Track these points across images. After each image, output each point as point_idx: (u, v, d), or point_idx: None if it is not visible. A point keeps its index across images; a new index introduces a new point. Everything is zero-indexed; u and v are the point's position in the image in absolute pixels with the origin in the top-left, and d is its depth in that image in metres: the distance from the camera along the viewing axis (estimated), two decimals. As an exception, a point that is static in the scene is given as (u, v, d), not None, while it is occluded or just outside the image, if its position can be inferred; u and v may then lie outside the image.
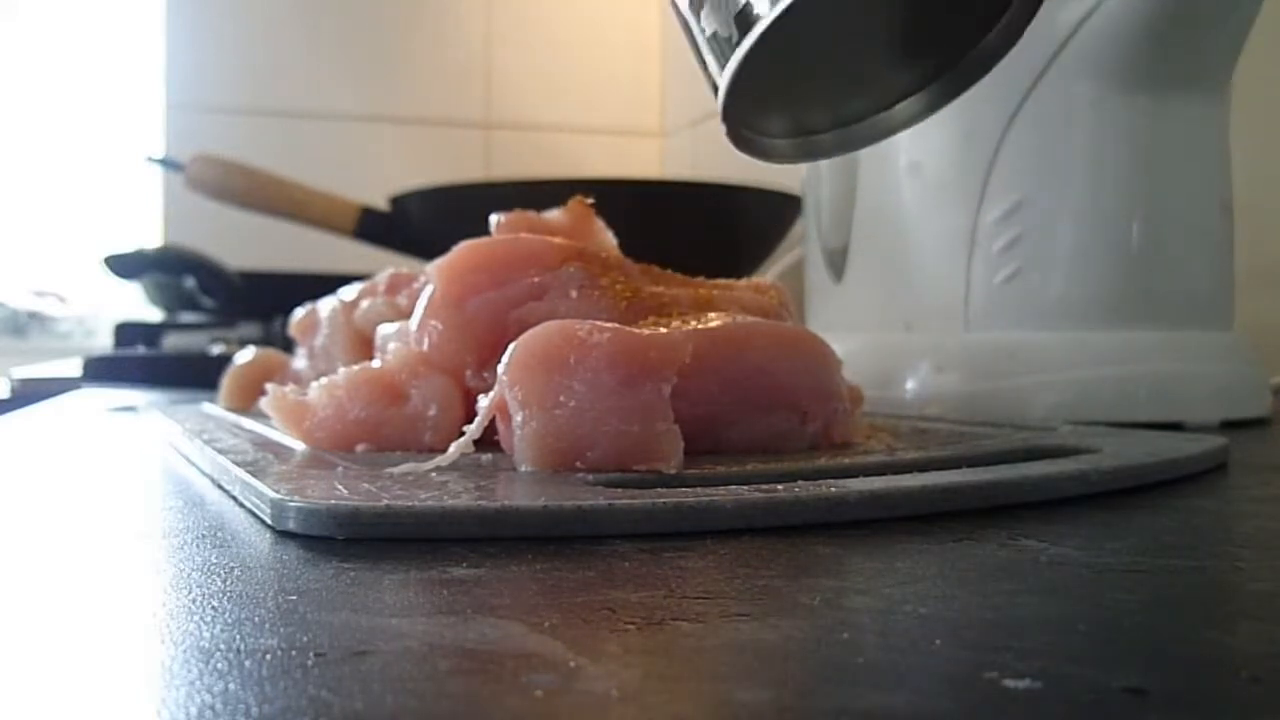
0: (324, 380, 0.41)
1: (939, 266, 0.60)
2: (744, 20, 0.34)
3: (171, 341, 1.26)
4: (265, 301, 1.17)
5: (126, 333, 1.30)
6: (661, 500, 0.27)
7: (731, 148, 0.38)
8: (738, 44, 0.34)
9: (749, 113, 0.37)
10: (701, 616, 0.19)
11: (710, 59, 0.36)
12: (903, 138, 0.62)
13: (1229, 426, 0.55)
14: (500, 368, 0.34)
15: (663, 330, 0.36)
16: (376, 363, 0.43)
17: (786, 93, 0.39)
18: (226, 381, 0.63)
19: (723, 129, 0.37)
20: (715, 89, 0.36)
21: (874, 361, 0.60)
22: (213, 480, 0.36)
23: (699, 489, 0.28)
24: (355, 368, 0.42)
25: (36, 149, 1.97)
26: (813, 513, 0.28)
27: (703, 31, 0.36)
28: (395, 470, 0.32)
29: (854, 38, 0.38)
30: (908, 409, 0.58)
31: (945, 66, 0.38)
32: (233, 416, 0.53)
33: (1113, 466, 0.34)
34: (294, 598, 0.21)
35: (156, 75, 1.72)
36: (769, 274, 1.06)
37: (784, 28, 0.33)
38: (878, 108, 0.39)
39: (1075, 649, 0.18)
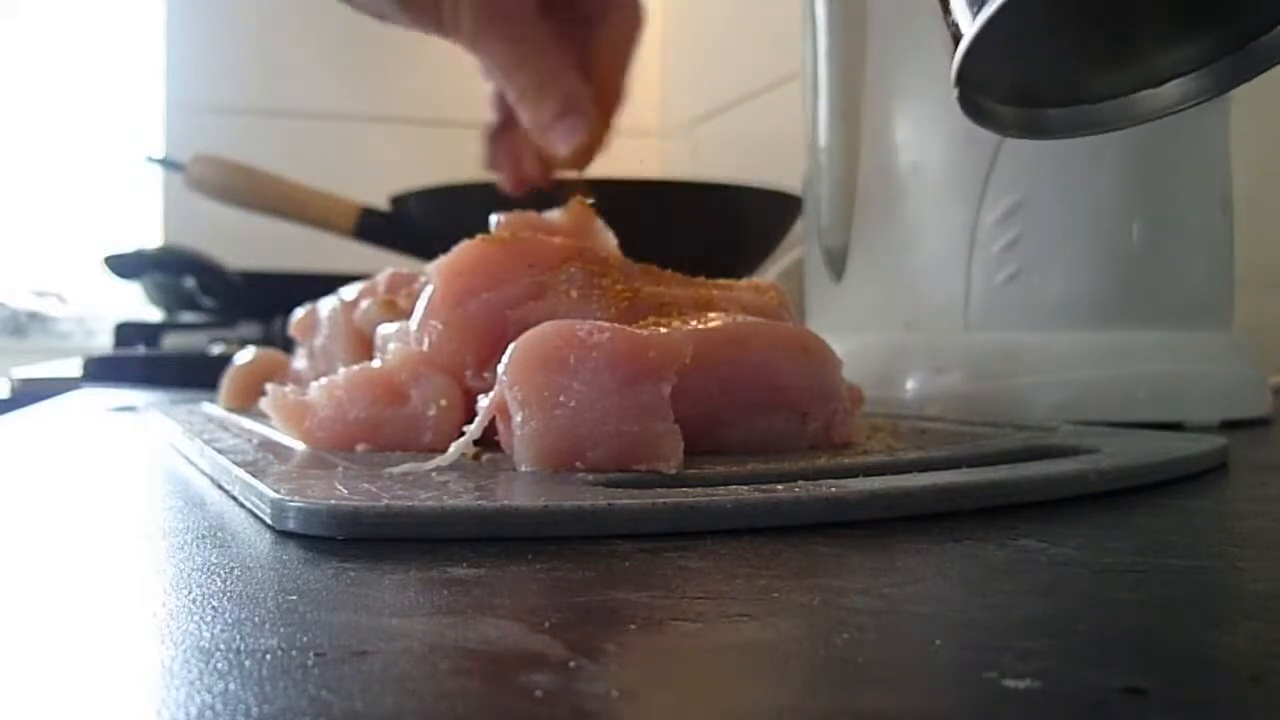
0: (324, 380, 0.41)
1: (939, 266, 0.60)
2: None
3: (171, 341, 1.26)
4: (265, 301, 1.17)
5: (126, 333, 1.30)
6: (661, 500, 0.27)
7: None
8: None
9: (983, 71, 0.32)
10: (701, 616, 0.19)
11: (958, 4, 0.31)
12: (903, 137, 0.63)
13: (1229, 426, 0.55)
14: (500, 368, 0.34)
15: (663, 330, 0.36)
16: (376, 363, 0.43)
17: (1026, 55, 0.34)
18: (226, 381, 0.63)
19: (953, 91, 0.32)
20: (956, 40, 0.31)
21: (874, 361, 0.60)
22: (213, 480, 0.36)
23: (699, 489, 0.28)
24: (355, 368, 0.42)
25: (37, 149, 1.97)
26: (813, 513, 0.28)
27: None
28: (395, 470, 0.32)
29: (1123, 4, 0.33)
30: (908, 409, 0.58)
31: (1227, 48, 0.33)
32: (233, 416, 0.53)
33: (1112, 466, 0.34)
34: (294, 598, 0.21)
35: (156, 75, 1.72)
36: (769, 274, 1.06)
37: None
38: (1132, 87, 0.34)
39: (1075, 649, 0.18)
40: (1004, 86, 0.34)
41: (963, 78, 0.32)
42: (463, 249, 0.41)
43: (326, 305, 0.59)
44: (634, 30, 0.66)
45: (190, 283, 1.29)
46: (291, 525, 0.27)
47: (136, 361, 1.13)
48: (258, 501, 0.29)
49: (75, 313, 2.02)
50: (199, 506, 0.32)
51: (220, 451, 0.37)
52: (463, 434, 0.34)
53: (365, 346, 0.53)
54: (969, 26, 0.30)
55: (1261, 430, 0.57)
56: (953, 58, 0.31)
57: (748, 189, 1.02)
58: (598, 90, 0.64)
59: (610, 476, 0.31)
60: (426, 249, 0.51)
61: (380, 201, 1.08)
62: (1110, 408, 0.55)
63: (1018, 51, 0.33)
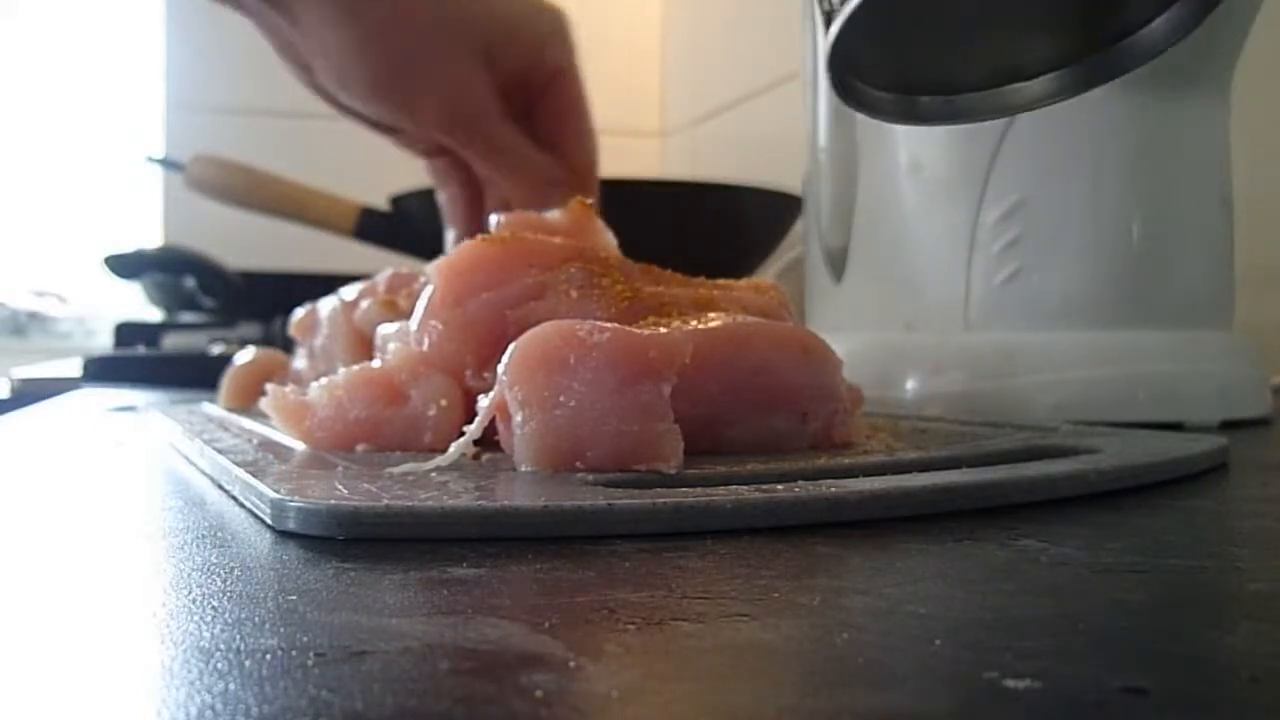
0: (324, 380, 0.41)
1: (939, 266, 0.60)
2: None
3: (171, 341, 1.26)
4: (265, 301, 1.17)
5: (126, 333, 1.31)
6: (661, 500, 0.27)
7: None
8: None
9: (857, 57, 0.34)
10: (701, 616, 0.19)
11: None
12: (903, 137, 0.63)
13: (1229, 426, 0.55)
14: (500, 368, 0.34)
15: (663, 330, 0.36)
16: (376, 363, 0.43)
17: (903, 45, 0.35)
18: (226, 381, 0.63)
19: (827, 73, 0.34)
20: (827, 23, 0.32)
21: (874, 361, 0.60)
22: (213, 480, 0.36)
23: (699, 489, 0.28)
24: (355, 368, 0.42)
25: (37, 149, 1.97)
26: (813, 513, 0.28)
27: None
28: (395, 470, 0.32)
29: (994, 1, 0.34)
30: (908, 409, 0.58)
31: (1093, 48, 0.34)
32: (233, 416, 0.53)
33: (1113, 466, 0.34)
34: (294, 598, 0.21)
35: (156, 75, 1.72)
36: (769, 274, 1.06)
37: None
38: (1000, 80, 0.35)
39: (1075, 649, 0.18)
40: (881, 72, 0.35)
41: (837, 61, 0.33)
42: (463, 249, 0.41)
43: (326, 305, 0.59)
44: (580, 96, 0.69)
45: (190, 283, 1.29)
46: (291, 525, 0.27)
47: (136, 361, 1.13)
48: (258, 501, 0.29)
49: (75, 313, 2.02)
50: (199, 506, 0.32)
51: (220, 451, 0.37)
52: (463, 434, 0.34)
53: (365, 346, 0.53)
54: (841, 11, 0.31)
55: (1261, 430, 0.57)
56: (827, 41, 0.32)
57: (748, 189, 1.02)
58: (570, 171, 0.67)
59: (610, 476, 0.31)
60: (426, 249, 0.51)
61: (380, 201, 1.08)
62: (1110, 408, 0.55)
63: (893, 38, 0.34)
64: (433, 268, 0.41)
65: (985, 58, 0.35)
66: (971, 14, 0.34)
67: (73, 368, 1.09)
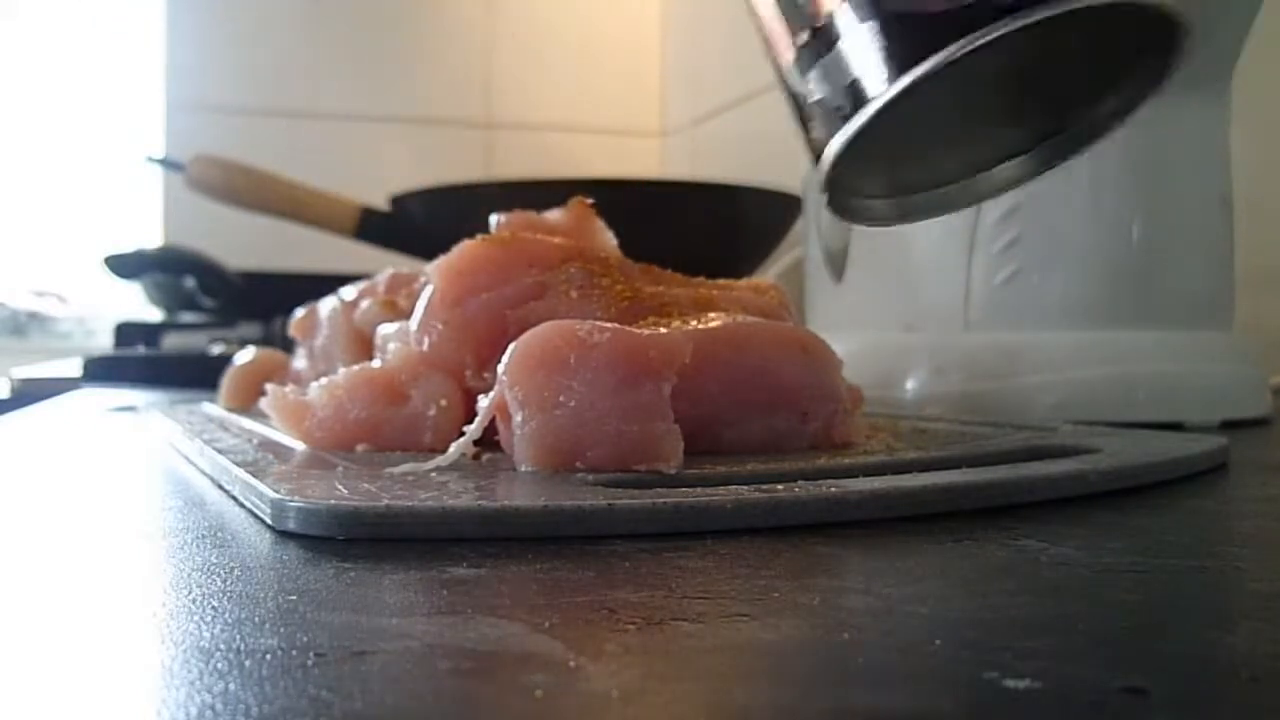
0: (324, 380, 0.41)
1: (939, 266, 0.60)
2: (857, 95, 0.32)
3: (171, 341, 1.26)
4: (265, 301, 1.17)
5: (126, 333, 1.30)
6: (661, 500, 0.27)
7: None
8: (849, 116, 0.32)
9: (848, 176, 0.36)
10: (701, 616, 0.19)
11: (817, 124, 0.34)
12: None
13: (1229, 426, 0.55)
14: (500, 368, 0.34)
15: (663, 330, 0.36)
16: (376, 363, 0.43)
17: (886, 154, 0.37)
18: (226, 381, 0.63)
19: (824, 197, 0.36)
20: (817, 155, 0.35)
21: (874, 361, 0.60)
22: (213, 480, 0.36)
23: (699, 489, 0.28)
24: (355, 368, 0.42)
25: (37, 149, 1.97)
26: (813, 513, 0.28)
27: (809, 95, 0.34)
28: (395, 470, 0.32)
29: (962, 102, 0.36)
30: (908, 409, 0.58)
31: (1055, 129, 0.37)
32: (233, 416, 0.53)
33: (1113, 466, 0.34)
34: (294, 598, 0.21)
35: (156, 75, 1.72)
36: (769, 274, 1.06)
37: (896, 101, 0.32)
38: (978, 169, 0.38)
39: (1075, 649, 0.18)
40: (872, 182, 0.38)
41: (833, 187, 0.35)
42: (463, 249, 0.41)
43: (326, 305, 0.59)
44: None
45: (190, 283, 1.29)
46: (291, 525, 0.27)
47: (136, 361, 1.13)
48: (258, 501, 0.29)
49: (75, 313, 2.02)
50: (199, 506, 0.32)
51: (220, 451, 0.37)
52: (463, 434, 0.34)
53: (365, 346, 0.53)
54: (830, 144, 0.33)
55: (1261, 430, 0.57)
56: (819, 170, 0.34)
57: (748, 189, 1.02)
58: None
59: (610, 476, 0.31)
60: (426, 249, 0.51)
61: (380, 201, 1.08)
62: (1110, 408, 0.55)
63: (879, 149, 0.35)
64: (433, 268, 0.41)
65: (963, 151, 0.38)
66: (949, 117, 0.37)
67: (73, 368, 1.09)
